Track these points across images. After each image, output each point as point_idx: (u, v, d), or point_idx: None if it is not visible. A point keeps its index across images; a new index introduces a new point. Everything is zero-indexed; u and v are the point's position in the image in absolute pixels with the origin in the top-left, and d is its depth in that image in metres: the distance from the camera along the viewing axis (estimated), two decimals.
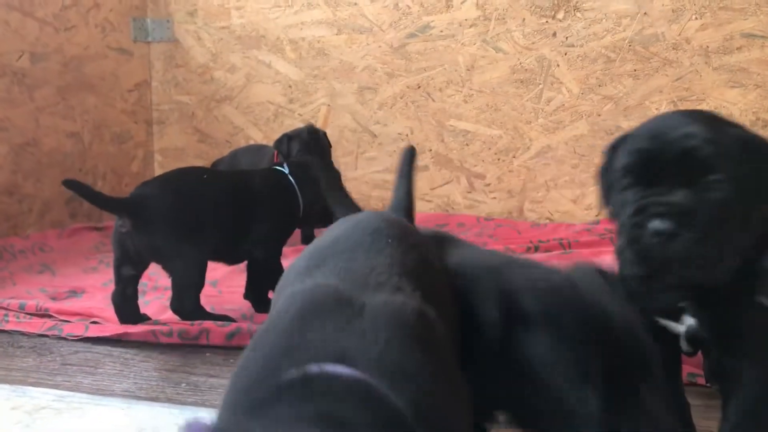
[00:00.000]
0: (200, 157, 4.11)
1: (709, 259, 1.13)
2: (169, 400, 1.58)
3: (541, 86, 3.57)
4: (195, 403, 1.56)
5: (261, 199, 2.18)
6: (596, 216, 3.53)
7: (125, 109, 3.99)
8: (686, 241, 1.11)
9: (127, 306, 2.07)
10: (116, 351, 1.91)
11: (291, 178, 2.27)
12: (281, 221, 2.24)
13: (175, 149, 4.18)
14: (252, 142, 3.91)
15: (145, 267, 2.09)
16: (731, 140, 1.17)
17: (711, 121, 1.21)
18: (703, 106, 3.35)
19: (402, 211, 1.40)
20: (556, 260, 2.88)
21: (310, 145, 2.93)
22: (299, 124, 3.90)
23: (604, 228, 3.26)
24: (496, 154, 3.67)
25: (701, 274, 1.14)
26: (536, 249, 3.04)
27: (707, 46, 3.31)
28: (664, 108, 3.41)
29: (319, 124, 3.89)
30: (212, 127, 4.10)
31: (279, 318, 0.88)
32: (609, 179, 1.28)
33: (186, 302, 2.04)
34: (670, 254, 1.12)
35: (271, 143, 3.69)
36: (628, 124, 3.45)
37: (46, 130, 3.49)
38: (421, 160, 3.75)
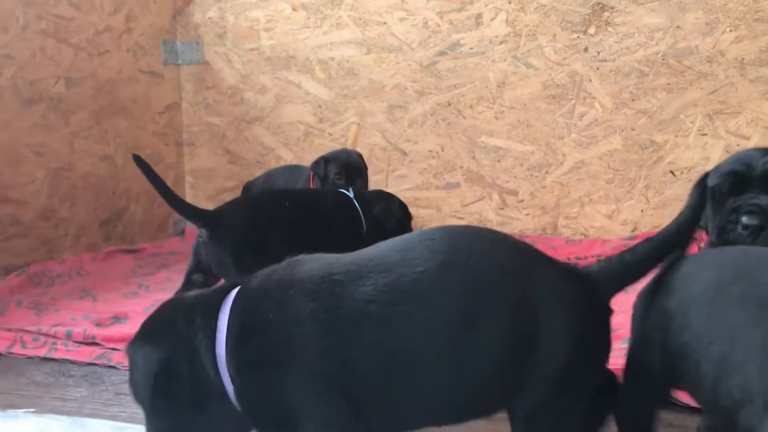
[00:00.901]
0: (231, 179, 4.13)
1: None
2: None
3: (573, 101, 3.55)
4: None
5: (331, 218, 2.32)
6: (632, 231, 3.50)
7: (156, 132, 4.01)
8: None
9: None
10: None
11: (355, 201, 2.41)
12: (348, 240, 2.30)
13: (205, 170, 4.20)
14: (283, 163, 3.92)
15: (214, 281, 2.20)
16: None
17: None
18: (740, 119, 3.32)
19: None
20: None
21: (347, 167, 2.93)
22: (329, 144, 3.92)
23: None
24: (528, 170, 3.65)
25: None
26: None
27: (742, 58, 3.28)
28: (699, 121, 3.38)
29: (348, 143, 3.90)
30: (242, 147, 4.11)
31: None
32: (703, 198, 1.52)
33: None
34: (757, 245, 1.41)
35: (301, 163, 3.71)
36: (663, 138, 3.43)
37: (81, 154, 3.51)
38: (452, 177, 3.74)
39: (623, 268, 1.20)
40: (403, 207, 2.61)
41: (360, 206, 2.41)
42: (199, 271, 2.21)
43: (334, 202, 2.40)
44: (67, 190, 3.44)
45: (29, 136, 3.23)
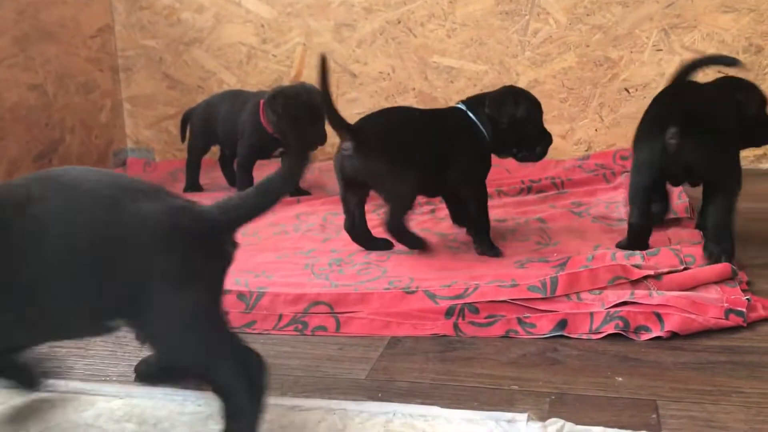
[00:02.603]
0: (171, 105, 3.92)
1: None
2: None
3: (527, 17, 3.41)
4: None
5: (455, 135, 2.28)
6: (586, 151, 3.45)
7: (89, 57, 3.76)
8: None
9: (358, 232, 2.30)
10: None
11: (471, 114, 2.33)
12: (475, 155, 2.32)
13: (144, 97, 3.98)
14: (226, 87, 3.73)
15: (365, 193, 2.27)
16: None
17: None
18: (695, 33, 3.24)
19: None
20: (551, 201, 2.81)
21: (311, 110, 2.80)
22: (275, 66, 3.73)
23: (594, 163, 3.18)
24: (481, 90, 3.52)
25: None
26: (529, 190, 2.96)
27: None
28: (655, 36, 3.29)
29: (294, 66, 3.72)
30: (182, 72, 3.89)
31: None
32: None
33: (395, 221, 2.19)
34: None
35: (245, 88, 3.53)
36: (618, 54, 3.35)
37: (6, 83, 3.27)
38: (404, 99, 3.61)
39: (239, 205, 1.23)
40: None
41: (477, 118, 2.32)
42: (350, 190, 2.24)
43: (452, 119, 2.33)
44: None
45: None
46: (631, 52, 3.34)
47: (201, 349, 1.19)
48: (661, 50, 3.31)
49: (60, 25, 3.55)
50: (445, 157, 2.26)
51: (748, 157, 3.17)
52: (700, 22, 3.23)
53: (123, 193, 1.18)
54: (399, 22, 3.55)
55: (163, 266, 1.14)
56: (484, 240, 2.26)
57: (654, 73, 3.32)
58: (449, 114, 2.37)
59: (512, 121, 2.32)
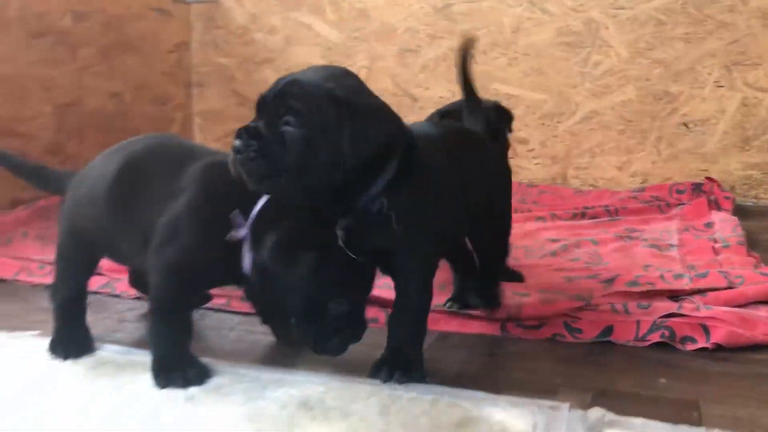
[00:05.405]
0: (239, 120, 4.05)
1: None
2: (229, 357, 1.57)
3: (588, 49, 3.48)
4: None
5: None
6: (641, 183, 3.46)
7: (165, 71, 3.97)
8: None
9: None
10: None
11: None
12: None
13: (214, 112, 4.17)
14: None
15: None
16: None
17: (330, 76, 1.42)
18: (759, 71, 3.26)
19: None
20: (604, 227, 2.83)
21: None
22: None
23: (650, 196, 3.20)
24: (540, 118, 3.60)
25: None
26: (583, 215, 2.99)
27: (765, 8, 3.19)
28: (716, 73, 3.31)
29: None
30: (252, 90, 4.06)
31: None
32: None
33: None
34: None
35: None
36: (678, 89, 3.37)
37: (89, 90, 3.48)
38: None
39: None
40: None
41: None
42: None
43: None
44: (75, 126, 3.42)
45: (36, 69, 3.20)
46: (692, 87, 3.36)
47: None
48: (722, 86, 3.32)
49: (141, 39, 3.77)
50: None
51: None
52: (764, 60, 3.24)
53: None
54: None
55: None
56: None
57: (714, 109, 3.33)
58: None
59: None
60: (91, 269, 1.68)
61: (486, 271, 1.88)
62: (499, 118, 2.38)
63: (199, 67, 4.14)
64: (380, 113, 1.41)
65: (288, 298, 1.40)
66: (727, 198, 3.04)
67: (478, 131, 1.96)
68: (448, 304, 1.86)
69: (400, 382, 1.42)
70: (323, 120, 1.33)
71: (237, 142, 1.35)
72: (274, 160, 1.33)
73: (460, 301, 1.86)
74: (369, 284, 1.49)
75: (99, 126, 3.54)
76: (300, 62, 3.93)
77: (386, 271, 1.51)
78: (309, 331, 1.41)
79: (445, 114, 2.42)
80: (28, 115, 3.18)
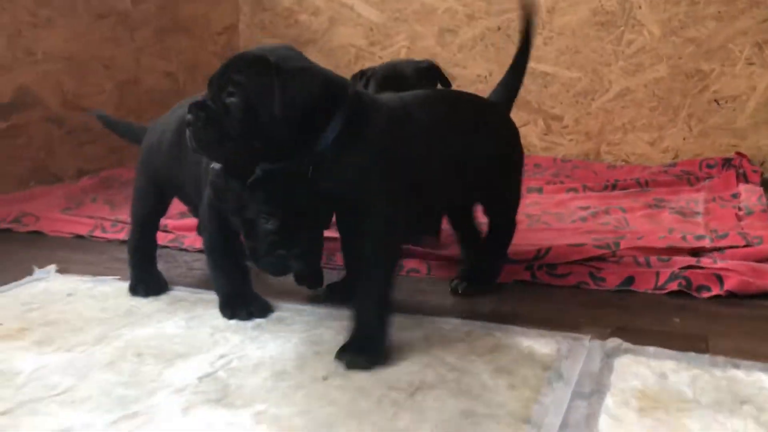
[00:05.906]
0: None
1: None
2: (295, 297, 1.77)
3: (622, 29, 3.60)
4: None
5: None
6: (673, 159, 3.58)
7: (215, 52, 4.19)
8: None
9: None
10: None
11: None
12: None
13: None
14: None
15: None
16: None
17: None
18: None
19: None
20: (634, 197, 2.96)
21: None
22: None
23: (681, 170, 3.31)
24: (574, 96, 3.73)
25: None
26: (614, 187, 3.12)
27: None
28: (748, 51, 3.40)
29: None
30: None
31: None
32: None
33: None
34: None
35: None
36: (709, 66, 3.47)
37: (146, 69, 3.72)
38: None
39: None
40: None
41: None
42: None
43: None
44: (133, 103, 3.66)
45: (99, 49, 3.44)
46: (723, 65, 3.46)
47: None
48: (753, 64, 3.41)
49: (193, 21, 3.99)
50: None
51: None
52: None
53: None
54: (499, 29, 3.80)
55: None
56: None
57: (745, 86, 3.43)
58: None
59: None
60: (161, 211, 1.94)
61: (491, 246, 1.89)
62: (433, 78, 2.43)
63: (247, 48, 4.34)
64: (307, 74, 1.48)
65: (230, 215, 1.55)
66: (755, 171, 3.14)
67: (488, 99, 2.04)
68: (454, 283, 1.85)
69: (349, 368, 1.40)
70: (259, 86, 1.44)
71: (189, 116, 1.48)
72: (221, 128, 1.46)
73: (468, 280, 1.84)
74: (317, 216, 1.57)
75: (155, 103, 3.77)
76: (343, 42, 4.12)
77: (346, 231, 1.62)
78: (249, 247, 1.52)
79: (385, 79, 2.38)
80: (91, 91, 3.42)
